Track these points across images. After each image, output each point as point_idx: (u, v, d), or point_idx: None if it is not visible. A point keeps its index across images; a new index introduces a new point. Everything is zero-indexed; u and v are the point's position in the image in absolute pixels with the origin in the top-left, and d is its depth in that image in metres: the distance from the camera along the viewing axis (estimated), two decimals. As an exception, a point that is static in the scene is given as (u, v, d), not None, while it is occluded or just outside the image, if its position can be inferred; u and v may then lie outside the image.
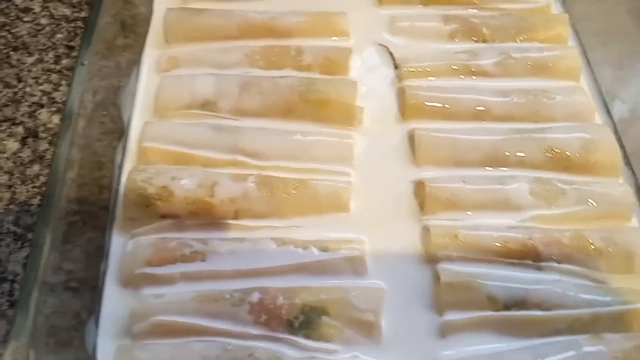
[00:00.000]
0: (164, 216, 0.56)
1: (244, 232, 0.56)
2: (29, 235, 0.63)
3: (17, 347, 0.44)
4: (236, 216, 0.56)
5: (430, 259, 0.55)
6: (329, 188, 0.58)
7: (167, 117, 0.62)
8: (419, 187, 0.60)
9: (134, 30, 0.70)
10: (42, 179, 0.67)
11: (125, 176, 0.58)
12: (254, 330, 0.51)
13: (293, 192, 0.57)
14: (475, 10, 0.73)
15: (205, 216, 0.56)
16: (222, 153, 0.59)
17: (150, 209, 0.55)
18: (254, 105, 0.62)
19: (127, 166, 0.59)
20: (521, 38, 0.71)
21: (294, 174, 0.59)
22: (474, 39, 0.71)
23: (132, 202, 0.55)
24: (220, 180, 0.57)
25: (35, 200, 0.66)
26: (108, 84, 0.65)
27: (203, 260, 0.54)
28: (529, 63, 0.68)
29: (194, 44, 0.68)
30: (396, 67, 0.68)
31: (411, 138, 0.63)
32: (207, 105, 0.62)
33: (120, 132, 0.63)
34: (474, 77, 0.67)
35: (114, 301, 0.53)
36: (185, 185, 0.56)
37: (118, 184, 0.58)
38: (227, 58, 0.66)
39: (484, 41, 0.71)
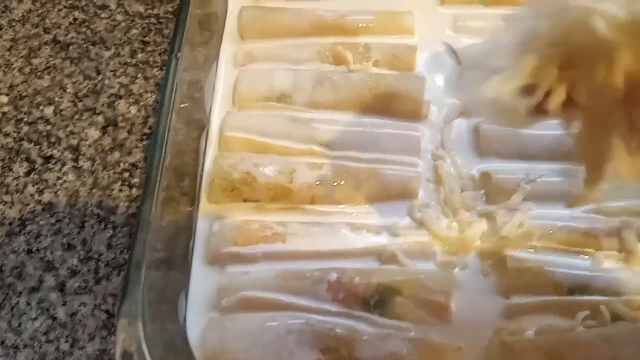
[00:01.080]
0: (246, 200, 0.60)
1: (320, 217, 0.60)
2: (111, 218, 0.68)
3: (129, 321, 0.48)
4: (313, 201, 0.60)
5: (497, 246, 0.58)
6: (398, 177, 0.62)
7: (246, 108, 0.66)
8: (484, 178, 0.63)
9: (209, 27, 0.74)
10: (122, 165, 0.72)
11: (208, 163, 0.63)
12: (333, 308, 0.54)
13: (364, 180, 0.61)
14: (534, 11, 0.76)
15: (284, 201, 0.60)
16: (298, 143, 0.63)
17: (234, 193, 0.59)
18: (327, 99, 0.66)
19: (210, 154, 0.63)
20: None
21: (365, 164, 0.63)
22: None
23: (219, 186, 0.59)
24: (298, 168, 0.61)
25: (117, 185, 0.70)
26: (187, 78, 0.69)
27: (283, 242, 0.57)
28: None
29: (267, 41, 0.72)
30: (459, 63, 0.71)
31: (476, 131, 0.66)
32: (283, 98, 0.66)
33: (199, 123, 0.67)
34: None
35: (202, 278, 0.57)
36: (267, 171, 0.60)
37: (203, 169, 0.62)
38: (300, 54, 0.69)
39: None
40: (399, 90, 0.66)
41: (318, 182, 0.60)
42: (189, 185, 0.62)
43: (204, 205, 0.61)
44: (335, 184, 0.60)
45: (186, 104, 0.66)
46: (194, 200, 0.61)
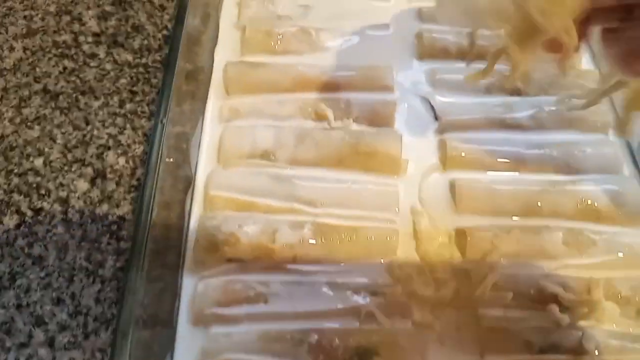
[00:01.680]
0: (230, 260, 0.62)
1: (301, 276, 0.62)
2: (100, 271, 0.70)
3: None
4: (294, 261, 0.62)
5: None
6: (377, 235, 0.64)
7: (231, 165, 0.68)
8: (459, 235, 0.65)
9: (196, 80, 0.76)
10: (110, 218, 0.73)
11: (193, 221, 0.65)
12: (314, 369, 0.57)
13: (345, 238, 0.63)
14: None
15: (267, 260, 0.62)
16: (280, 201, 0.65)
17: (219, 254, 0.61)
18: (309, 156, 0.68)
19: (195, 211, 0.66)
20: (552, 93, 0.76)
21: (345, 221, 0.65)
22: (509, 92, 0.76)
23: (203, 247, 0.61)
24: (280, 227, 0.63)
25: (105, 238, 0.72)
26: (175, 131, 0.71)
27: (265, 302, 0.59)
28: (560, 117, 0.73)
29: (251, 96, 0.74)
30: (436, 118, 0.74)
31: (452, 188, 0.68)
32: (266, 155, 0.68)
33: (186, 179, 0.69)
34: (509, 130, 0.73)
35: (187, 338, 0.59)
36: (250, 232, 0.62)
37: (188, 228, 0.64)
38: (283, 110, 0.72)
39: (518, 94, 0.76)
40: (378, 148, 0.68)
41: (299, 242, 0.62)
42: (175, 245, 0.64)
43: (189, 264, 0.63)
44: (315, 243, 0.62)
45: (171, 159, 0.68)
46: (179, 260, 0.63)
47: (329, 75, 0.74)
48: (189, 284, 0.62)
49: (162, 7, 0.94)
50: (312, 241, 0.62)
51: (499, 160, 0.70)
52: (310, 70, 0.75)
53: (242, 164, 0.68)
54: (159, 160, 0.61)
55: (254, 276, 0.61)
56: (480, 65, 0.78)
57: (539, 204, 0.67)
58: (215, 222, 0.62)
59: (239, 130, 0.70)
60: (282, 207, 0.65)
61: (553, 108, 0.74)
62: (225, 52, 0.79)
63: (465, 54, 0.79)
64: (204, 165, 0.69)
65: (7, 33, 0.90)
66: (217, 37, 0.83)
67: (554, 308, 0.59)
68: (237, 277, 0.61)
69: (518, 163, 0.70)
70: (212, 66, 0.78)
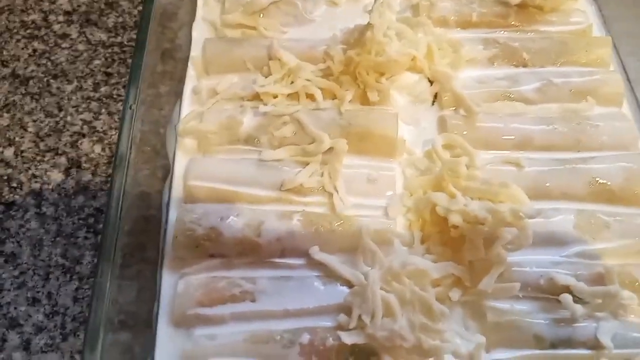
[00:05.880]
0: (212, 255, 0.57)
1: (290, 271, 0.57)
2: (77, 268, 0.65)
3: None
4: (282, 255, 0.57)
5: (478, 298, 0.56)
6: (373, 224, 0.59)
7: (211, 153, 0.63)
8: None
9: (173, 58, 0.70)
10: (87, 210, 0.69)
11: (172, 214, 0.60)
12: (305, 372, 0.52)
13: (338, 228, 0.58)
14: (515, 33, 0.73)
15: (253, 255, 0.57)
16: (266, 190, 0.60)
17: (199, 249, 0.56)
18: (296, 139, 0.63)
19: (174, 204, 0.60)
20: (561, 61, 0.70)
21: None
22: (514, 63, 0.70)
23: (182, 243, 0.56)
24: (267, 219, 0.58)
25: (82, 232, 0.67)
26: (151, 114, 0.65)
27: (252, 300, 0.55)
28: (570, 89, 0.68)
29: (233, 75, 0.68)
30: (436, 95, 0.68)
31: (453, 169, 0.63)
32: (250, 140, 0.63)
33: (163, 169, 0.64)
34: (514, 104, 0.67)
35: (168, 341, 0.54)
36: (233, 225, 0.57)
37: (166, 222, 0.60)
38: (267, 90, 0.66)
39: (524, 66, 0.70)
40: (371, 129, 0.63)
41: (288, 234, 0.57)
42: (153, 240, 0.59)
43: (169, 261, 0.58)
44: (306, 234, 0.57)
45: (147, 148, 0.62)
46: (157, 257, 0.58)
47: (317, 49, 0.68)
48: (168, 282, 0.57)
49: (138, -19, 0.88)
50: (302, 232, 0.57)
51: (503, 138, 0.64)
52: (297, 46, 0.69)
53: (223, 150, 0.63)
54: (129, 149, 0.55)
55: (239, 272, 0.57)
56: (481, 35, 0.73)
57: (548, 184, 0.61)
58: (193, 215, 0.57)
59: (219, 113, 0.65)
60: (268, 196, 0.60)
61: (561, 80, 0.68)
62: (204, 28, 0.73)
63: (464, 24, 0.73)
64: (182, 152, 0.64)
65: (-29, 13, 0.84)
66: (194, 11, 0.76)
67: (567, 298, 0.54)
68: (220, 274, 0.56)
69: (524, 141, 0.64)
70: (189, 43, 0.72)
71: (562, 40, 0.72)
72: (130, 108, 0.56)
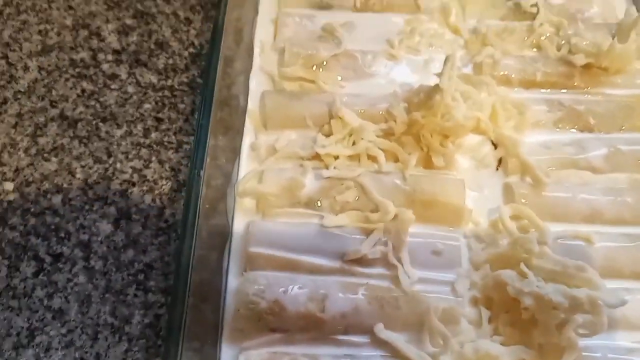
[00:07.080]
0: (273, 330, 0.55)
1: (354, 349, 0.55)
2: (127, 328, 0.63)
3: None
4: (346, 331, 0.55)
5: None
6: (440, 301, 0.57)
7: (271, 215, 0.61)
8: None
9: (229, 106, 0.68)
10: (137, 265, 0.67)
11: (232, 281, 0.58)
12: None
13: (404, 305, 0.56)
14: (580, 95, 0.71)
15: (315, 331, 0.55)
16: (328, 258, 0.58)
17: (261, 323, 0.55)
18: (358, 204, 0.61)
19: (233, 269, 0.59)
20: (627, 126, 0.68)
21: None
22: (580, 128, 0.68)
23: (244, 316, 0.55)
24: (330, 293, 0.56)
25: (131, 290, 0.65)
26: (208, 167, 0.63)
27: (314, 379, 0.53)
28: (638, 158, 0.65)
29: (292, 131, 0.66)
30: (500, 160, 0.66)
31: (520, 243, 0.60)
32: (311, 204, 0.61)
33: (222, 234, 0.61)
34: (582, 173, 0.65)
35: (228, 418, 0.52)
36: (296, 298, 0.55)
37: (226, 290, 0.58)
38: (327, 150, 0.64)
39: (590, 131, 0.68)
40: (437, 196, 0.61)
41: (352, 310, 0.55)
42: (211, 309, 0.57)
43: (228, 333, 0.56)
44: (371, 310, 0.55)
45: (207, 206, 0.61)
46: (217, 328, 0.56)
47: (377, 107, 0.66)
48: (228, 355, 0.55)
49: (188, 21, 0.86)
50: (367, 309, 0.55)
51: (571, 209, 0.62)
52: (357, 102, 0.67)
53: (283, 213, 0.61)
54: (197, 219, 0.53)
55: (301, 348, 0.55)
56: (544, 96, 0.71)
57: (618, 262, 0.59)
58: (256, 286, 0.55)
59: (280, 173, 0.63)
60: (330, 267, 0.58)
61: (628, 147, 0.66)
62: (261, 78, 0.71)
63: (528, 83, 0.71)
64: (241, 212, 0.62)
65: (21, 50, 0.82)
66: (250, 57, 0.75)
67: None
68: (281, 349, 0.54)
69: (594, 214, 0.62)
70: (245, 92, 0.70)
71: (628, 104, 0.70)
72: (198, 175, 0.55)
